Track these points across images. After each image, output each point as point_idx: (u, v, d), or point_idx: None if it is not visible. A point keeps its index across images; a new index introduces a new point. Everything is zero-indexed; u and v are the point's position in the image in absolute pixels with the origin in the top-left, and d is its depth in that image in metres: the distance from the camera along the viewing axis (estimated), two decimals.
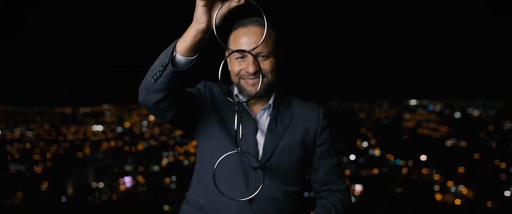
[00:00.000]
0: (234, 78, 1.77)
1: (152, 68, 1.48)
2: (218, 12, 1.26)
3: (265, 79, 1.73)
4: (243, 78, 1.73)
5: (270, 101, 1.83)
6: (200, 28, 1.30)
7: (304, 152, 1.85)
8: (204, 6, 1.25)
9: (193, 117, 1.85)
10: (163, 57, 1.43)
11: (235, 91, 1.85)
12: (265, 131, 1.82)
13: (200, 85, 1.89)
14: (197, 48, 1.39)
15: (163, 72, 1.43)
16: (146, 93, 1.53)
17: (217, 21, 1.27)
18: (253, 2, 1.25)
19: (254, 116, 1.84)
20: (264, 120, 1.85)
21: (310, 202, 2.03)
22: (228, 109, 1.84)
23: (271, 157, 1.77)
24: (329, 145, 1.92)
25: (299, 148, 1.83)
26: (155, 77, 1.45)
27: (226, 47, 1.39)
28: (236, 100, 1.84)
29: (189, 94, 1.81)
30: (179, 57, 1.41)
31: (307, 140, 1.85)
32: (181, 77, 1.44)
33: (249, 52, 1.58)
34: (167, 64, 1.41)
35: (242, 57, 1.69)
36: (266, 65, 1.70)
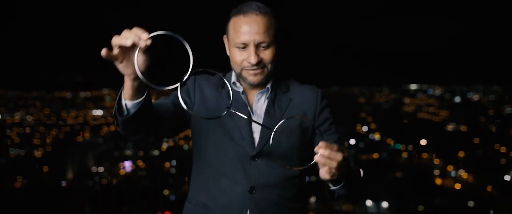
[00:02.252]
0: (235, 68, 1.76)
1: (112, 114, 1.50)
2: (138, 58, 1.25)
3: (265, 69, 1.73)
4: (245, 69, 1.71)
5: (268, 85, 1.81)
6: (131, 78, 1.31)
7: (302, 135, 1.85)
8: (119, 62, 1.27)
9: (181, 123, 1.87)
10: (115, 106, 1.43)
11: (233, 78, 1.85)
12: (262, 115, 1.80)
13: (189, 83, 1.91)
14: (141, 90, 1.38)
15: (118, 121, 1.43)
16: (120, 130, 1.54)
17: (141, 66, 1.27)
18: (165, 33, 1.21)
19: (247, 103, 1.83)
20: (261, 104, 1.83)
21: (311, 186, 1.99)
22: (220, 103, 1.83)
23: (268, 141, 1.68)
24: (330, 122, 1.91)
25: (297, 131, 1.82)
26: (116, 123, 1.47)
27: (152, 86, 1.28)
28: (234, 87, 1.86)
29: (169, 108, 1.78)
30: (129, 102, 1.39)
31: (305, 122, 1.84)
32: (137, 117, 1.43)
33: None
34: (115, 115, 1.42)
35: (243, 47, 1.66)
36: (266, 55, 1.70)
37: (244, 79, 1.77)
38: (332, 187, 1.53)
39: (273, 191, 1.79)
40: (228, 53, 1.82)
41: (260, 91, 1.83)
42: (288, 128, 1.79)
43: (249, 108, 1.83)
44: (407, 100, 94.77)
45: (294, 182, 1.85)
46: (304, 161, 1.88)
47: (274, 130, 1.42)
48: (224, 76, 1.94)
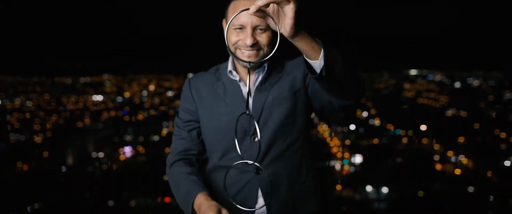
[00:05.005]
0: (231, 48, 1.76)
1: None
2: None
3: (261, 52, 1.76)
4: (239, 49, 1.75)
5: (264, 65, 1.84)
6: None
7: (295, 99, 1.89)
8: None
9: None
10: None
11: (229, 66, 1.92)
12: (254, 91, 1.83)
13: (185, 88, 2.04)
14: None
15: None
16: None
17: None
18: None
19: (240, 84, 1.90)
20: (257, 83, 1.89)
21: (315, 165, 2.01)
22: (216, 99, 1.93)
23: (262, 113, 1.80)
24: None
25: (289, 97, 1.86)
26: None
27: None
28: (230, 76, 1.91)
29: (195, 132, 1.99)
30: None
31: (296, 85, 1.89)
32: None
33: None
34: None
35: (240, 28, 1.70)
36: (263, 38, 1.72)
37: (238, 60, 1.80)
38: (310, 60, 1.47)
39: (278, 163, 1.84)
40: (226, 37, 1.77)
41: (256, 70, 1.86)
42: (280, 95, 1.84)
43: (239, 83, 1.89)
44: (407, 86, 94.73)
45: (295, 148, 1.90)
46: (300, 128, 1.90)
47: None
48: (219, 68, 2.00)
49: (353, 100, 1.68)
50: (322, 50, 1.41)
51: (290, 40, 1.39)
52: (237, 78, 1.87)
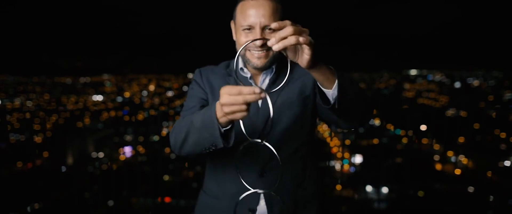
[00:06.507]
0: (240, 49, 1.71)
1: (198, 143, 1.55)
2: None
3: (270, 52, 1.78)
4: (249, 50, 1.78)
5: (273, 66, 1.84)
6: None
7: (304, 104, 1.89)
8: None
9: None
10: (211, 138, 1.49)
11: (241, 64, 1.92)
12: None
13: (196, 77, 2.01)
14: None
15: (214, 148, 1.52)
16: (185, 152, 1.67)
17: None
18: None
19: (251, 81, 1.90)
20: (265, 84, 1.90)
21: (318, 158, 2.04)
22: None
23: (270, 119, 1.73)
24: None
25: (297, 101, 1.86)
26: (206, 151, 1.56)
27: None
28: (241, 73, 1.91)
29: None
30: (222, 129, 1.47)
31: (306, 91, 1.89)
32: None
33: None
34: (219, 145, 1.49)
35: (249, 29, 1.72)
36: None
37: (248, 61, 1.82)
38: (325, 89, 1.49)
39: (283, 168, 1.78)
40: (234, 38, 1.85)
41: (264, 72, 1.86)
42: (288, 100, 1.84)
43: (248, 83, 1.89)
44: (407, 86, 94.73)
45: (301, 153, 1.91)
46: (308, 130, 1.91)
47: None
48: (229, 64, 2.01)
49: (362, 125, 1.73)
50: (336, 81, 1.43)
51: (306, 70, 1.40)
52: (248, 75, 1.88)
